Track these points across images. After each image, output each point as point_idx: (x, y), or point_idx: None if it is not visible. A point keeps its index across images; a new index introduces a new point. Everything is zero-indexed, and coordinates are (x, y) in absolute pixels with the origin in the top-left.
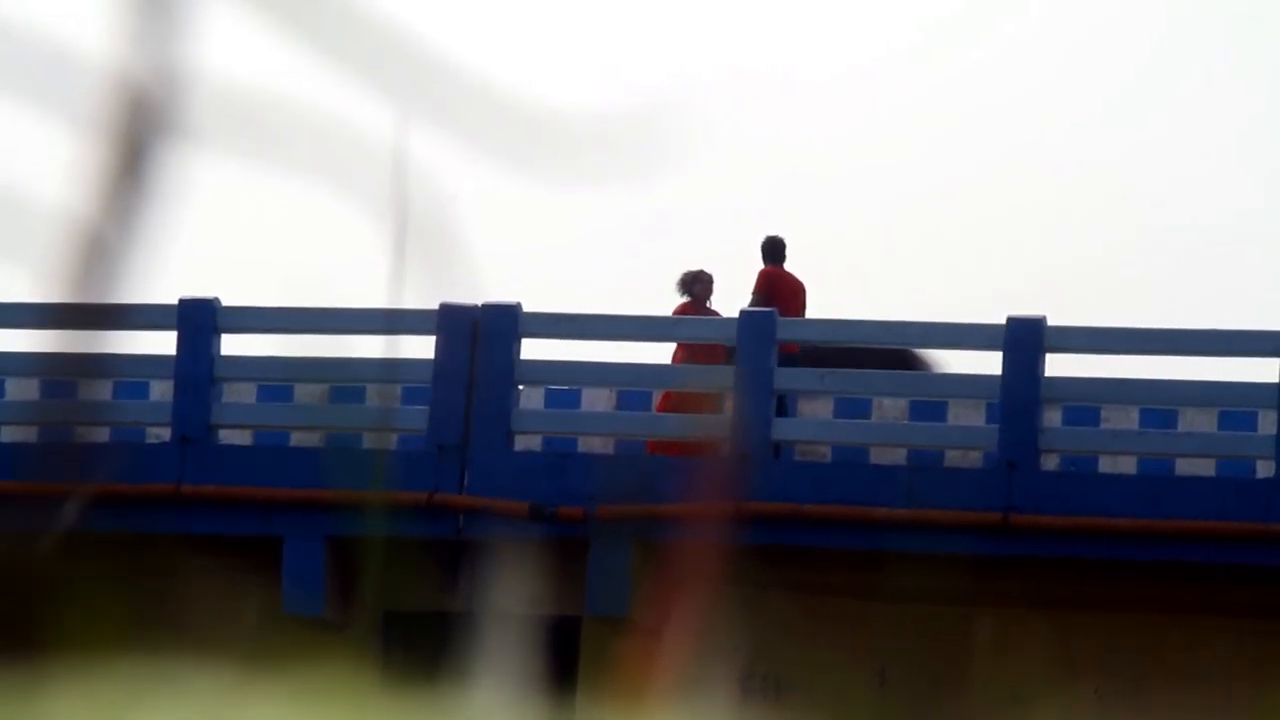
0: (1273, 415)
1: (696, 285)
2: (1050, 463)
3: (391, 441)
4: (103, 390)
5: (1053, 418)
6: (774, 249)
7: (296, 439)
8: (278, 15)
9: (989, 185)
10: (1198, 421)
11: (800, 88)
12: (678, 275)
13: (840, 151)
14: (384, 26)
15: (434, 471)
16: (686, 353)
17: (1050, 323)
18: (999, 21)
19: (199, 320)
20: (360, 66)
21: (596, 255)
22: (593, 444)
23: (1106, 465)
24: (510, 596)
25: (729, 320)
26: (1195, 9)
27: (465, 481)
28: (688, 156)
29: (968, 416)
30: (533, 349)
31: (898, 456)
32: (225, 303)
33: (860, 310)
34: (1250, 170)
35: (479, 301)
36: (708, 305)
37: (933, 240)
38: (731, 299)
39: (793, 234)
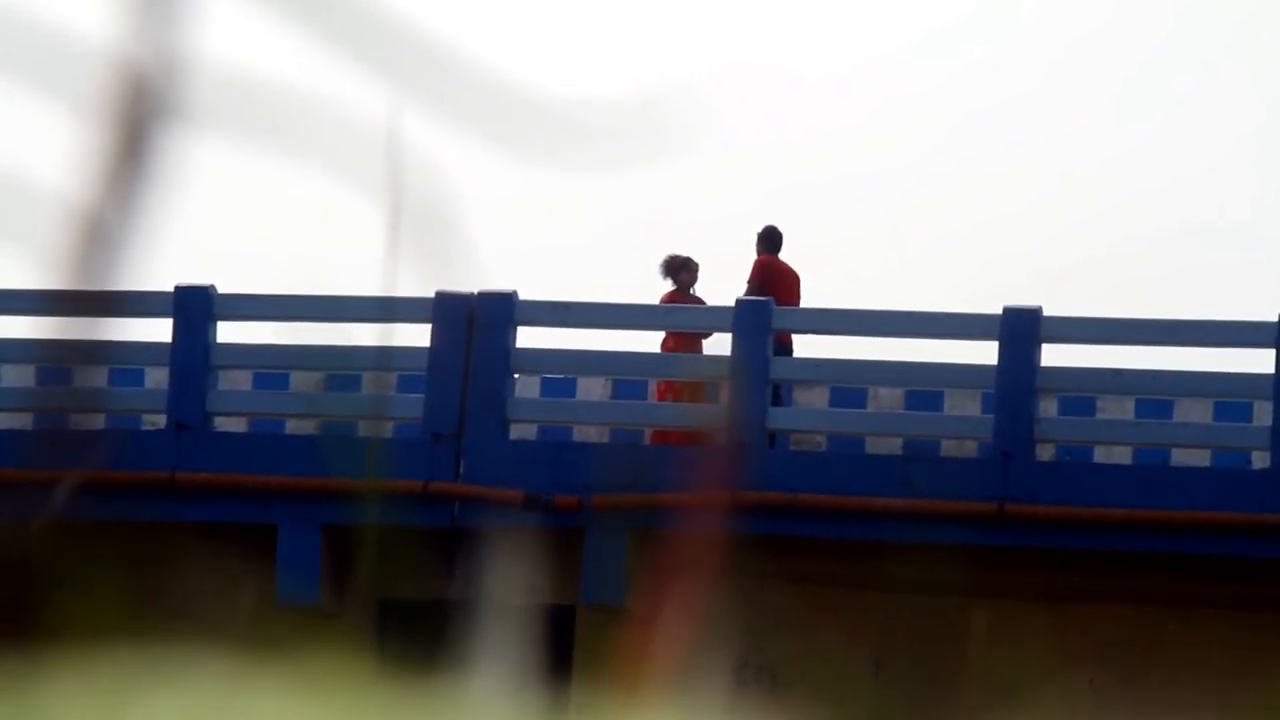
0: (1268, 406)
1: (683, 273)
2: (1046, 453)
3: (387, 429)
4: (98, 377)
5: (1048, 408)
6: (770, 238)
7: (292, 427)
8: (283, 1)
9: (992, 182)
10: (1193, 412)
11: (803, 85)
12: (662, 259)
13: (842, 148)
14: (384, 12)
15: (429, 460)
16: (676, 341)
17: (1046, 313)
18: (1001, 20)
19: (195, 307)
20: (360, 52)
21: (598, 253)
22: (588, 433)
23: (1102, 455)
24: (505, 585)
25: (725, 309)
26: (1198, 8)
27: (460, 470)
28: (690, 148)
29: (963, 406)
30: (528, 337)
31: (893, 446)
32: (221, 289)
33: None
34: (1252, 169)
35: (475, 289)
36: (692, 292)
37: (934, 237)
38: (730, 293)
39: (794, 230)
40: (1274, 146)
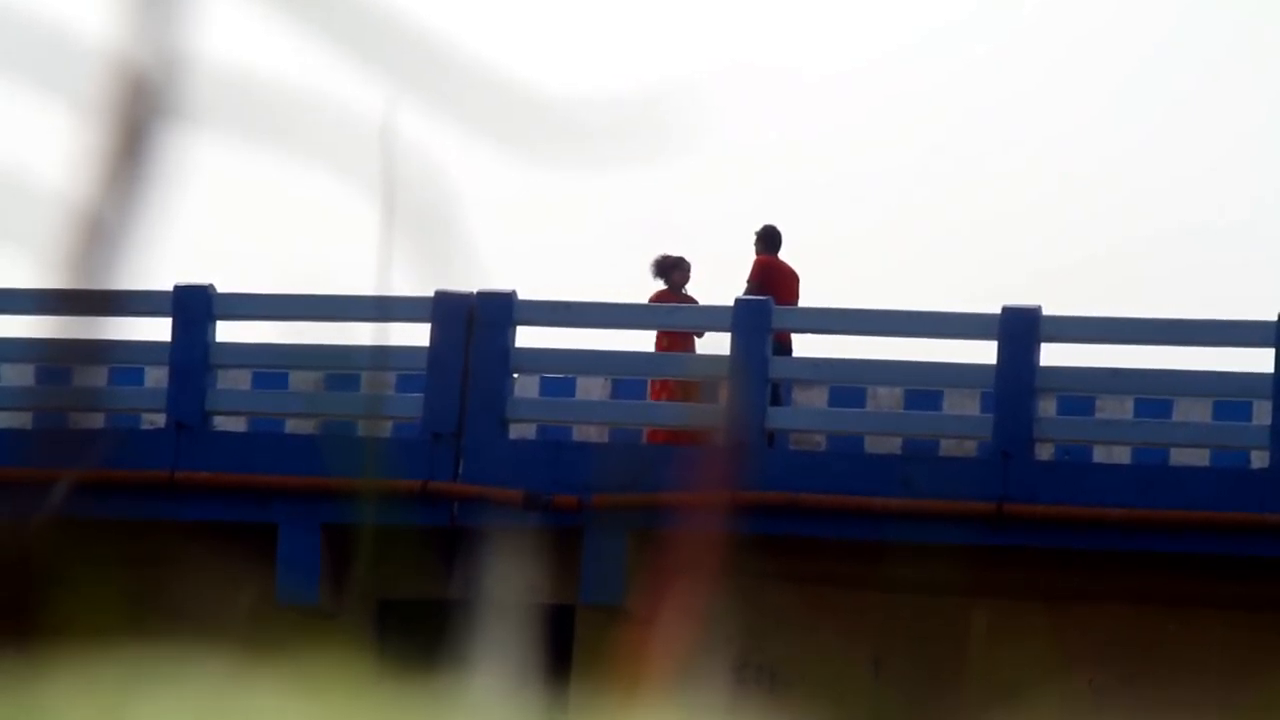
0: (1267, 405)
1: (675, 273)
2: (1045, 452)
3: (386, 429)
4: (98, 376)
5: (1048, 407)
6: (769, 238)
7: (292, 426)
8: None
9: (992, 182)
10: (1192, 411)
11: (803, 84)
12: (654, 258)
13: (842, 148)
14: (383, 11)
15: (429, 459)
16: (670, 340)
17: (1045, 312)
18: (1001, 19)
19: (194, 306)
20: (360, 51)
21: (598, 253)
22: (588, 432)
23: (1101, 455)
24: (505, 585)
25: (724, 308)
26: (1198, 7)
27: (460, 469)
28: (690, 148)
29: (963, 405)
30: (528, 337)
31: (893, 446)
32: (221, 289)
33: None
34: (1252, 169)
35: (474, 289)
36: (684, 292)
37: (934, 237)
38: (729, 293)
39: (794, 230)
40: (1274, 146)
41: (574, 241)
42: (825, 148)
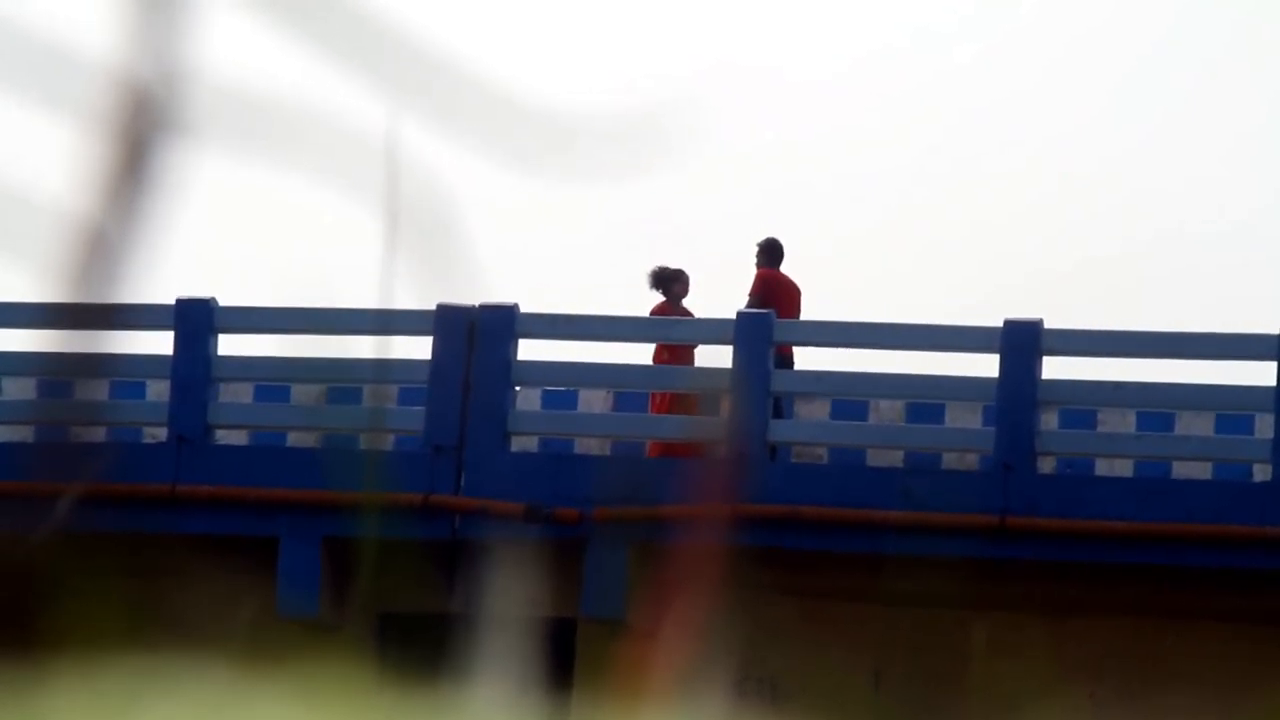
0: (1269, 419)
1: (675, 285)
2: (1047, 465)
3: (388, 442)
4: (99, 390)
5: (1049, 420)
6: (771, 251)
7: (293, 439)
8: (281, 12)
9: (991, 183)
10: (1194, 425)
11: (800, 85)
12: (652, 270)
13: (840, 150)
14: (384, 22)
15: (430, 472)
16: (670, 353)
17: (1047, 326)
18: (999, 18)
19: (196, 320)
20: (361, 63)
21: (597, 254)
22: (589, 445)
23: (1103, 468)
24: (506, 598)
25: (725, 321)
26: (1198, 7)
27: (461, 482)
28: (689, 155)
29: (964, 419)
30: (529, 350)
31: (894, 459)
32: (222, 302)
33: (857, 314)
34: (1253, 169)
35: (476, 302)
36: (682, 305)
37: (933, 238)
38: (728, 302)
39: (793, 231)
40: (1274, 147)
41: (573, 243)
42: (823, 149)
